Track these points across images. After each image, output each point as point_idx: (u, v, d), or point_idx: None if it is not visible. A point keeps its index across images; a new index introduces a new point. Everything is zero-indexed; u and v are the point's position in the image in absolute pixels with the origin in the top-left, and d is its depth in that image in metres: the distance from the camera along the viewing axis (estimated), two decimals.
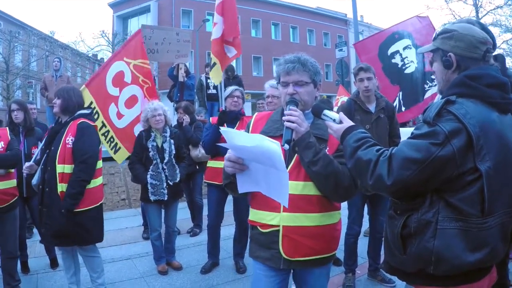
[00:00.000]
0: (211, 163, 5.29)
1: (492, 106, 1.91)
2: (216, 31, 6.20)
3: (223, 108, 5.28)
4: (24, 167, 4.44)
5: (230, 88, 5.22)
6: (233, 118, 4.96)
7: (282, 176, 2.01)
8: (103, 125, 5.67)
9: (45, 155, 4.12)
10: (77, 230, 3.94)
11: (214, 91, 11.02)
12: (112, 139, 5.80)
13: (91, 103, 5.47)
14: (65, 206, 3.83)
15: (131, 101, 5.80)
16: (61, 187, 3.89)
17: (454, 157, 1.75)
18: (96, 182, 4.14)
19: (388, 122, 4.70)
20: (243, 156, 2.21)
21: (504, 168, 1.85)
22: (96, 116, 5.47)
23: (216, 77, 6.49)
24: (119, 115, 5.82)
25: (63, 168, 3.92)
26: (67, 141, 3.97)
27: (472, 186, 1.79)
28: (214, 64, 6.31)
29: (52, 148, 4.04)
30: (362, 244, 6.01)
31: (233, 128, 4.88)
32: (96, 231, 4.14)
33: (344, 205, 2.92)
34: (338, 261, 5.31)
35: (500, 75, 1.99)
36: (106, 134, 5.70)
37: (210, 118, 5.42)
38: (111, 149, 5.83)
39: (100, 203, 4.20)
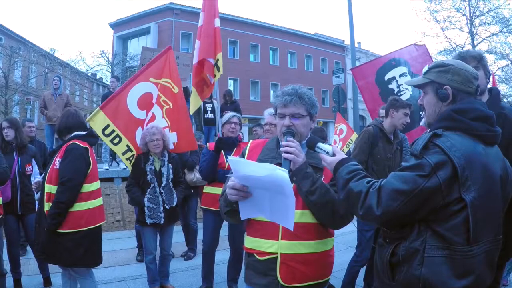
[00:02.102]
0: (208, 189, 5.27)
1: (478, 139, 2.00)
2: (195, 56, 6.09)
3: (220, 134, 5.32)
4: (33, 183, 4.68)
5: (228, 115, 5.25)
6: (230, 144, 4.99)
7: (290, 201, 2.06)
8: (129, 149, 5.37)
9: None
10: (59, 250, 3.95)
11: (211, 116, 11.10)
12: None
13: (108, 126, 5.24)
14: (46, 225, 3.90)
15: (151, 122, 5.50)
16: (47, 206, 3.95)
17: (440, 188, 1.83)
18: (83, 206, 4.08)
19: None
20: (249, 184, 2.23)
21: (488, 198, 1.93)
22: (117, 140, 5.25)
23: (191, 106, 6.33)
24: None
25: (50, 188, 3.99)
26: (56, 162, 4.04)
27: (458, 216, 1.86)
28: (191, 92, 6.20)
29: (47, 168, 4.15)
30: None
31: (230, 154, 4.93)
32: (80, 254, 4.02)
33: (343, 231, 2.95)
34: None
35: (486, 109, 2.08)
36: (131, 158, 5.40)
37: (207, 143, 5.43)
38: None
39: (89, 227, 4.10)
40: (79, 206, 4.04)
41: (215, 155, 4.93)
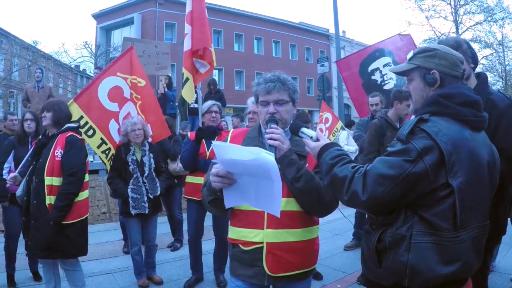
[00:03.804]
0: (190, 179, 5.28)
1: (465, 124, 1.98)
2: (187, 42, 5.81)
3: (201, 124, 5.29)
4: (8, 178, 4.39)
5: (208, 104, 5.25)
6: (211, 133, 5.00)
7: (276, 186, 2.01)
8: (103, 142, 5.41)
9: (31, 166, 4.12)
10: (64, 243, 3.98)
11: (195, 105, 11.00)
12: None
13: (81, 117, 5.20)
14: (53, 219, 3.89)
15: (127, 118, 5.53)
16: (49, 199, 3.94)
17: (426, 173, 1.80)
18: (83, 195, 4.18)
19: None
20: (233, 170, 2.17)
21: (476, 184, 1.92)
22: (91, 132, 5.28)
23: (188, 94, 6.01)
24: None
25: (51, 180, 3.97)
26: (56, 154, 4.01)
27: (445, 201, 1.84)
28: (187, 79, 5.86)
29: (40, 160, 4.06)
30: (343, 258, 6.07)
31: (211, 143, 4.94)
32: (80, 244, 4.15)
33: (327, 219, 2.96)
34: (319, 275, 5.34)
35: (473, 94, 2.07)
36: (107, 152, 5.45)
37: (189, 133, 5.40)
38: None
39: (85, 216, 4.23)
40: (81, 196, 4.16)
41: (195, 145, 4.94)
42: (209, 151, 5.05)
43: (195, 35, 5.74)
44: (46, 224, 3.90)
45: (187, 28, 5.81)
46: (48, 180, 3.96)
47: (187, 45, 5.76)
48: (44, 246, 3.95)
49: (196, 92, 10.00)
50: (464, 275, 1.95)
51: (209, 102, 5.30)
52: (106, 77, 5.53)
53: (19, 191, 4.20)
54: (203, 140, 5.02)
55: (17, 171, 4.46)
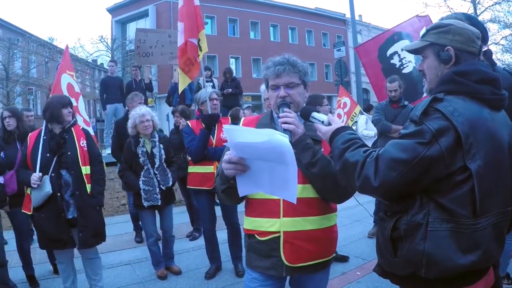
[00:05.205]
0: (196, 169, 5.17)
1: (483, 103, 1.87)
2: (180, 38, 5.97)
3: (198, 112, 5.34)
4: (34, 180, 3.97)
5: (208, 91, 5.27)
6: (215, 120, 5.03)
7: (291, 171, 1.92)
8: None
9: (54, 161, 4.09)
10: (103, 225, 4.36)
11: None
12: None
13: None
14: (98, 203, 4.28)
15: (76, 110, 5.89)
16: (89, 187, 4.17)
17: (442, 157, 1.70)
18: None
19: None
20: (246, 155, 2.09)
21: (496, 167, 1.80)
22: None
23: (181, 83, 6.29)
24: (87, 123, 6.06)
25: (85, 169, 4.16)
26: (82, 145, 4.21)
27: (463, 186, 1.73)
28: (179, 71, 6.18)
29: (69, 153, 4.11)
30: (363, 244, 5.99)
31: (214, 132, 5.04)
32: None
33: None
34: (346, 258, 5.36)
35: (490, 71, 1.94)
36: None
37: (188, 122, 5.35)
38: None
39: None
40: None
41: (207, 133, 4.92)
42: (215, 139, 5.06)
43: (185, 29, 5.89)
44: (92, 211, 4.18)
45: (180, 26, 5.98)
46: (84, 170, 4.15)
47: (180, 41, 5.96)
48: (94, 233, 4.19)
49: (211, 81, 10.08)
50: (484, 265, 1.85)
51: (209, 90, 5.35)
52: (62, 75, 5.98)
53: (48, 189, 3.98)
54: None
55: (37, 170, 4.07)
